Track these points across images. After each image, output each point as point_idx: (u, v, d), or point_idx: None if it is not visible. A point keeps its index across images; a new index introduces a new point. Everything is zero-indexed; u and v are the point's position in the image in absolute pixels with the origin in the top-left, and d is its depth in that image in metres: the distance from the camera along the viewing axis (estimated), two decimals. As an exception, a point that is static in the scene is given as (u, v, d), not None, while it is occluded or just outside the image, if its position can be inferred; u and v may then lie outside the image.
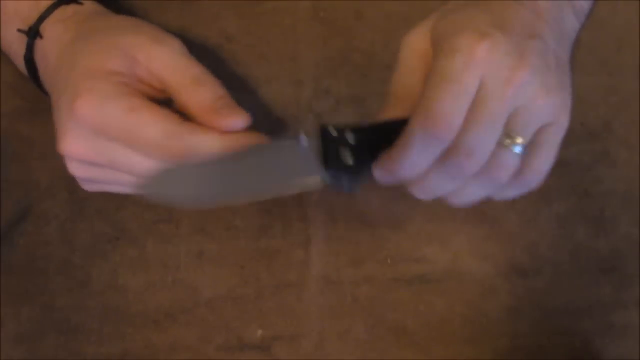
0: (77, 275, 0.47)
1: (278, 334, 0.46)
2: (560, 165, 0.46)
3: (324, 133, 0.38)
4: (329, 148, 0.37)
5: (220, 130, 0.38)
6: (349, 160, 0.37)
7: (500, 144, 0.35)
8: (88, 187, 0.43)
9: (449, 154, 0.35)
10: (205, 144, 0.38)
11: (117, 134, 0.38)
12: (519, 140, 0.35)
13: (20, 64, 0.44)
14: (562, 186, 0.47)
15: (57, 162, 0.47)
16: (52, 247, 0.47)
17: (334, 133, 0.37)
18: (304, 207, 0.47)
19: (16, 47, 0.43)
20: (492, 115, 0.34)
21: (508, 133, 0.35)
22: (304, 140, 0.38)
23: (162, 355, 0.46)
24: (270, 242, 0.47)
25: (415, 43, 0.39)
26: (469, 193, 0.38)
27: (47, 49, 0.42)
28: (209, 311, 0.46)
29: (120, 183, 0.41)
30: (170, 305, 0.46)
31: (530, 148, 0.36)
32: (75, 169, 0.40)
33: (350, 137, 0.37)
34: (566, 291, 0.46)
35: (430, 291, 0.46)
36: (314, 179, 0.38)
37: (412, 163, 0.36)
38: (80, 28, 0.42)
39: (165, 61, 0.39)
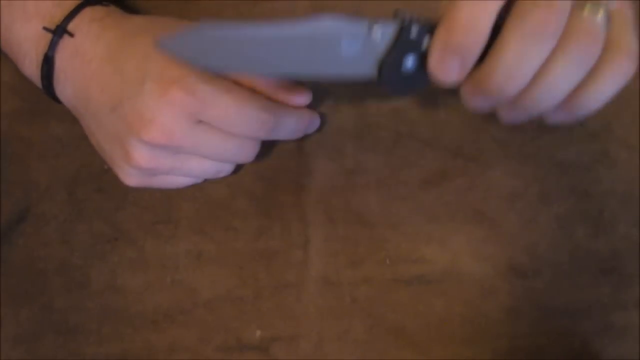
0: (76, 276, 0.47)
1: (277, 335, 0.46)
2: (560, 165, 0.47)
3: (402, 30, 0.33)
4: (396, 48, 0.34)
5: (292, 104, 0.44)
6: (412, 66, 0.34)
7: (582, 10, 0.33)
8: (139, 180, 0.43)
9: (527, 5, 0.32)
10: (289, 116, 0.43)
11: (215, 113, 0.40)
12: (601, 4, 0.33)
13: (30, 63, 0.43)
14: (562, 187, 0.47)
15: (56, 162, 0.48)
16: (51, 247, 0.47)
17: (414, 35, 0.33)
18: (302, 207, 0.47)
19: (27, 47, 0.43)
20: None
21: None
22: (375, 33, 0.33)
23: (161, 356, 0.46)
24: (269, 242, 0.47)
25: None
26: (559, 77, 0.33)
27: (85, 46, 0.42)
28: (207, 312, 0.46)
29: (185, 172, 0.43)
30: (169, 305, 0.46)
31: (611, 26, 0.34)
32: (146, 159, 0.41)
33: (425, 43, 0.33)
34: (565, 292, 0.46)
35: (429, 292, 0.46)
36: (364, 73, 0.35)
37: (473, 13, 0.32)
38: (124, 26, 0.42)
39: None
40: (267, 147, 0.46)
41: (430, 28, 0.33)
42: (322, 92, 0.47)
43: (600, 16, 0.33)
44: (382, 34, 0.33)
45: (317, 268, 0.46)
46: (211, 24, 0.35)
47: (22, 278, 0.47)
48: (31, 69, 0.43)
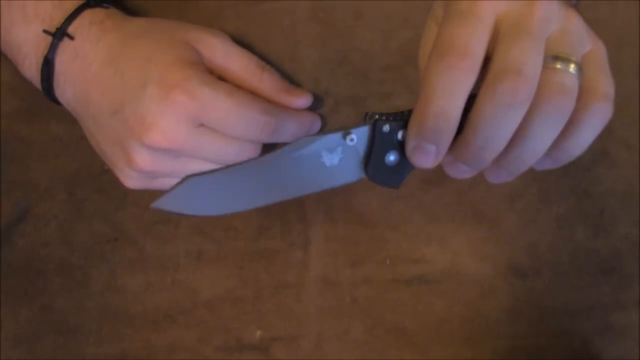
0: (76, 276, 0.47)
1: (277, 335, 0.46)
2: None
3: (375, 128, 0.35)
4: (375, 146, 0.35)
5: (293, 107, 0.44)
6: (395, 159, 0.36)
7: (553, 69, 0.33)
8: (140, 183, 0.43)
9: (497, 77, 0.32)
10: (290, 119, 0.43)
11: (217, 116, 0.40)
12: (572, 60, 0.33)
13: (30, 66, 0.43)
14: (562, 186, 0.47)
15: (56, 162, 0.48)
16: (51, 247, 0.47)
17: (387, 129, 0.35)
18: (303, 207, 0.47)
19: (27, 49, 0.43)
20: (529, 30, 0.32)
21: (557, 56, 0.33)
22: (351, 139, 0.35)
23: (161, 356, 0.46)
24: (269, 243, 0.47)
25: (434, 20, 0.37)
26: (536, 136, 0.33)
27: (85, 49, 0.42)
28: (207, 312, 0.46)
29: (183, 175, 0.42)
30: (169, 306, 0.46)
31: (585, 72, 0.34)
32: (147, 162, 0.41)
33: (400, 134, 0.35)
34: (565, 292, 0.46)
35: (429, 292, 0.46)
36: (353, 179, 0.37)
37: (442, 103, 0.32)
38: (124, 29, 0.42)
39: (227, 52, 0.43)
40: (267, 148, 0.46)
41: (402, 120, 0.35)
42: (321, 93, 0.47)
43: (571, 71, 0.33)
44: (357, 138, 0.35)
45: (317, 268, 0.46)
46: (195, 175, 0.35)
47: (22, 278, 0.47)
48: (31, 71, 0.43)
